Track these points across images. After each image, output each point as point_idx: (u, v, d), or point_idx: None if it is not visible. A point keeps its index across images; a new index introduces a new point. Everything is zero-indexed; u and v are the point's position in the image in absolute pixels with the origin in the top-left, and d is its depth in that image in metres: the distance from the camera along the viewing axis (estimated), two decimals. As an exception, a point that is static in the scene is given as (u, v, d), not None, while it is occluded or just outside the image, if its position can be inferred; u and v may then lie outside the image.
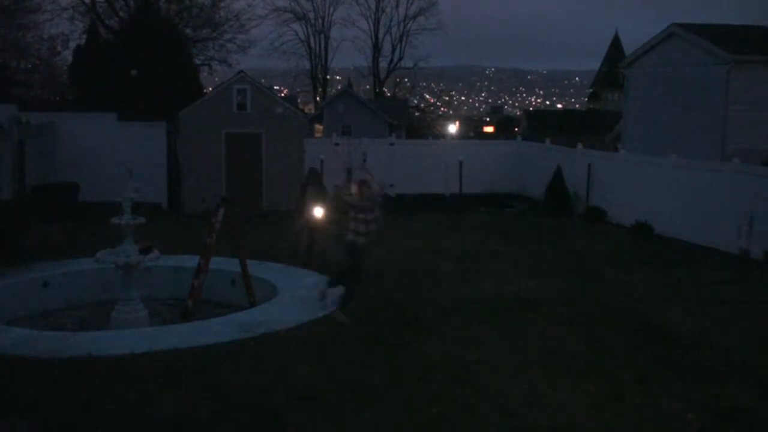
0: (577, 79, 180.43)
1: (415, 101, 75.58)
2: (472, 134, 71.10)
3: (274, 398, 7.35)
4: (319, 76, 60.79)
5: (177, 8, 34.05)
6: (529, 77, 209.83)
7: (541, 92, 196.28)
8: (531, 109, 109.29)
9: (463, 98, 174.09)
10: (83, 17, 33.73)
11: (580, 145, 22.24)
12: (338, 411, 7.11)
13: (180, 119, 20.84)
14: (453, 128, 71.42)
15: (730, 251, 15.56)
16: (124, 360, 8.27)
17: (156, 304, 11.97)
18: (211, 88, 28.11)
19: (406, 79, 68.92)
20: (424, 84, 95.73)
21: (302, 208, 13.28)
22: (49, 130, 20.80)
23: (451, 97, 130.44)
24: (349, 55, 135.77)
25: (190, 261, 12.08)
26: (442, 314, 10.54)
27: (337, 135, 26.43)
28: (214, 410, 7.05)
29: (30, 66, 33.94)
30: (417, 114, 67.57)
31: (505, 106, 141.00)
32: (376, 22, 60.92)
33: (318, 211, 12.82)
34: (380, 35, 60.91)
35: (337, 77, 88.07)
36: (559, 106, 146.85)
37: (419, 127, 59.18)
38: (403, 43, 60.56)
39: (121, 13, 33.36)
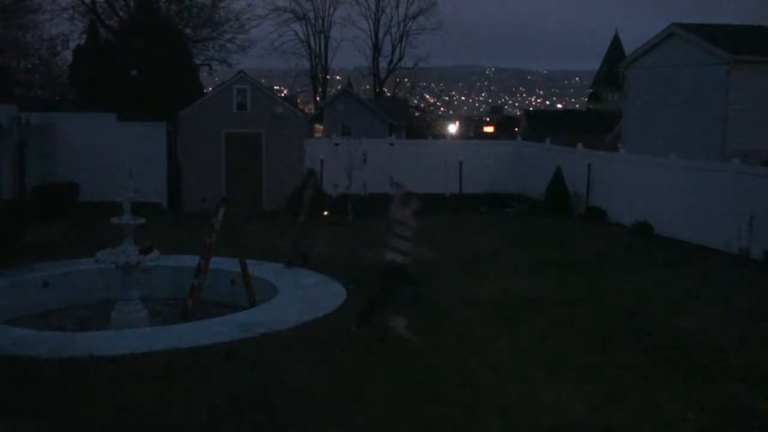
0: (577, 79, 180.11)
1: (415, 101, 75.50)
2: (472, 134, 71.00)
3: (274, 398, 7.35)
4: (319, 76, 60.70)
5: (177, 8, 34.03)
6: (529, 77, 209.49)
7: (541, 92, 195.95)
8: (531, 109, 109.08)
9: (463, 98, 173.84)
10: (83, 17, 33.72)
11: (580, 145, 22.24)
12: (338, 411, 7.11)
13: (180, 119, 20.83)
14: (453, 128, 71.46)
15: (730, 251, 15.56)
16: (124, 360, 8.27)
17: (156, 304, 11.97)
18: (211, 88, 28.11)
19: (406, 79, 68.81)
20: (424, 84, 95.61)
21: (294, 205, 13.39)
22: (49, 130, 20.80)
23: (451, 97, 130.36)
24: (349, 55, 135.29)
25: (190, 261, 12.11)
26: (442, 314, 10.54)
27: (337, 135, 26.42)
28: (214, 410, 7.05)
29: (30, 66, 33.98)
30: (417, 114, 67.44)
31: (505, 106, 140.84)
32: (376, 22, 60.88)
33: (313, 214, 12.92)
34: (380, 35, 60.86)
35: (337, 77, 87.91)
36: (559, 106, 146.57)
37: (419, 127, 59.08)
38: (403, 43, 60.50)
39: (121, 13, 33.34)
